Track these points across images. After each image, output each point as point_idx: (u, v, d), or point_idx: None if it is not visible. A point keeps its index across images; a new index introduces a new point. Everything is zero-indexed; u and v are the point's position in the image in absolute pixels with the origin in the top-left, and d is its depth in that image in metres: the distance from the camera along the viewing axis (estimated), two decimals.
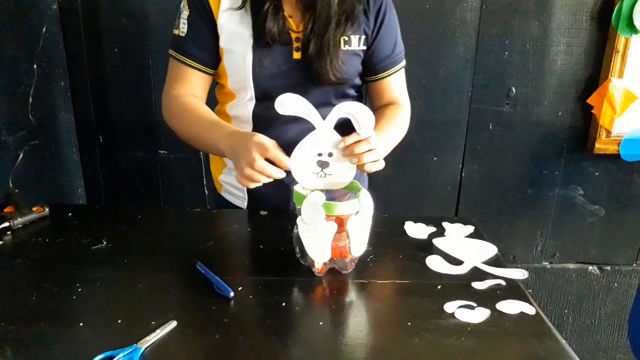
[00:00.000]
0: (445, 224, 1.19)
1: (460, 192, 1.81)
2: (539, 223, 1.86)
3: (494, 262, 1.03)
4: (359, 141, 0.93)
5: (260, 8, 1.05)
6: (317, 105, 0.92)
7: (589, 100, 1.68)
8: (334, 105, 0.93)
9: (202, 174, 1.73)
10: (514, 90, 1.69)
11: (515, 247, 1.89)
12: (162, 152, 1.75)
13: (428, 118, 1.71)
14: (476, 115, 1.72)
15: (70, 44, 1.64)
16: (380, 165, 0.99)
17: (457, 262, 1.01)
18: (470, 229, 1.17)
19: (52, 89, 1.59)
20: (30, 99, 1.42)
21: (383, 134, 1.11)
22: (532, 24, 1.63)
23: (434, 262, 1.01)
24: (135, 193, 1.81)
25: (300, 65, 1.10)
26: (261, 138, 0.93)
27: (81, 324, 0.79)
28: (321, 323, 0.82)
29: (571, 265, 1.91)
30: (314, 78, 1.09)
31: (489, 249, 1.07)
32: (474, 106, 1.71)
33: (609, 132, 1.68)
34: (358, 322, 0.84)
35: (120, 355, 0.71)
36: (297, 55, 1.10)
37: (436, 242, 1.09)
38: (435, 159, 1.76)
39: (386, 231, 1.14)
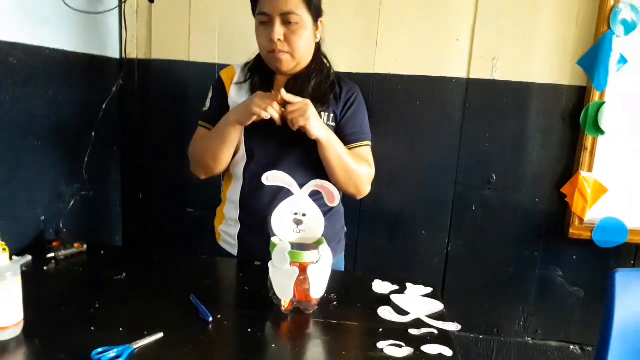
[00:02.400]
0: (408, 284, 1.38)
1: (447, 264, 1.99)
2: (521, 300, 1.98)
3: (437, 316, 1.20)
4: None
5: (255, 88, 1.41)
6: (292, 161, 1.28)
7: (563, 190, 1.86)
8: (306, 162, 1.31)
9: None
10: (494, 177, 1.90)
11: (499, 321, 2.00)
12: (190, 210, 2.06)
13: (418, 196, 1.94)
14: (460, 197, 1.93)
15: (125, 117, 2.02)
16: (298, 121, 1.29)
17: (405, 313, 1.20)
18: (428, 290, 1.36)
19: (105, 152, 1.93)
20: (86, 159, 1.74)
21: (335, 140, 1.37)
22: (510, 122, 1.86)
23: (384, 312, 1.20)
24: (163, 242, 2.10)
25: (281, 130, 1.37)
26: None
27: (92, 328, 1.04)
28: (274, 346, 1.04)
29: (553, 343, 2.00)
30: (290, 138, 1.37)
31: (437, 306, 1.26)
32: (459, 189, 1.92)
33: (582, 220, 1.84)
34: (307, 347, 1.05)
35: (115, 349, 0.95)
36: (279, 122, 1.38)
37: (393, 297, 1.28)
38: (424, 232, 1.96)
39: (355, 285, 1.36)
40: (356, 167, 1.40)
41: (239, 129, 1.36)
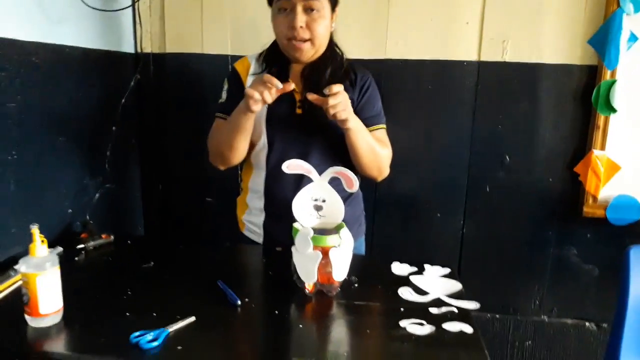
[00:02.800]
0: (426, 265, 1.42)
1: (462, 246, 2.02)
2: (536, 279, 2.01)
3: (456, 295, 1.25)
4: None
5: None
6: (312, 149, 1.31)
7: (576, 169, 1.87)
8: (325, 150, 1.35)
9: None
10: (507, 158, 1.92)
11: (515, 300, 2.03)
12: (209, 199, 2.11)
13: (432, 179, 1.96)
14: (474, 179, 1.95)
15: (143, 110, 2.06)
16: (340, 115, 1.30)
17: (424, 293, 1.25)
18: (446, 270, 1.40)
19: (125, 146, 1.98)
20: (108, 153, 1.79)
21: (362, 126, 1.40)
22: (522, 103, 1.87)
23: (404, 292, 1.24)
24: (183, 231, 2.16)
25: (301, 118, 1.43)
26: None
27: (128, 314, 1.09)
28: (301, 326, 1.09)
29: (569, 320, 2.03)
30: (311, 126, 1.42)
31: (455, 286, 1.30)
32: (472, 171, 1.94)
33: (595, 198, 1.86)
34: (332, 326, 1.10)
35: (151, 333, 1.00)
36: (299, 111, 1.43)
37: (412, 278, 1.31)
38: (439, 215, 1.99)
39: (375, 268, 1.40)
40: (379, 149, 1.44)
41: (250, 117, 1.35)
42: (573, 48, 1.82)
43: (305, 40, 1.38)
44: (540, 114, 1.88)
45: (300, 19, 1.35)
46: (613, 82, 1.76)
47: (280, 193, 1.44)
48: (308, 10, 1.35)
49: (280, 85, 1.27)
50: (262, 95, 1.27)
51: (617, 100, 1.77)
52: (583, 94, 1.84)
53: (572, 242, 1.97)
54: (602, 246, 1.95)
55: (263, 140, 1.45)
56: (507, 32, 1.84)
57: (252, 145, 1.47)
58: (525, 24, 1.83)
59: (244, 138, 1.41)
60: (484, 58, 1.86)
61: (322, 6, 1.36)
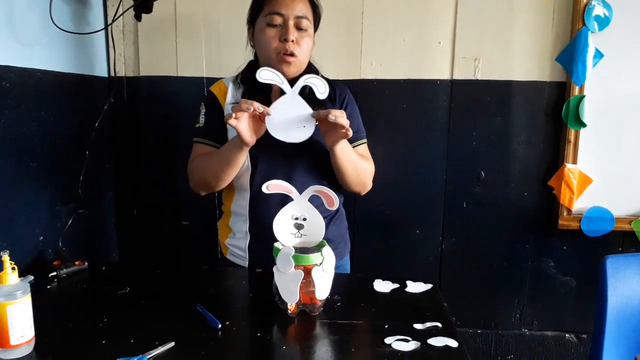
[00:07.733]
0: (408, 282, 1.41)
1: (441, 262, 2.03)
2: (515, 292, 2.03)
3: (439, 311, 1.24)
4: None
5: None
6: (296, 169, 1.30)
7: (550, 183, 1.92)
8: (309, 168, 1.35)
9: (217, 242, 2.01)
10: (483, 174, 1.95)
11: (496, 315, 2.05)
12: (185, 222, 2.07)
13: (410, 197, 1.98)
14: (451, 195, 1.98)
15: (116, 135, 2.03)
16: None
17: (408, 309, 1.24)
18: (428, 286, 1.40)
19: (99, 171, 1.94)
20: (81, 177, 1.75)
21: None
22: (494, 119, 1.92)
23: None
24: (160, 257, 2.11)
25: None
26: None
27: (104, 341, 1.05)
28: (284, 348, 1.06)
29: (549, 333, 2.04)
30: (294, 146, 1.33)
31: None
32: (449, 187, 1.97)
33: (570, 211, 1.90)
34: (316, 347, 1.07)
35: None
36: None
37: (395, 295, 1.32)
38: (417, 232, 2.00)
39: (357, 286, 1.38)
40: (363, 165, 1.45)
41: (245, 151, 1.33)
42: (542, 65, 1.88)
43: (293, 55, 1.39)
44: (513, 130, 1.92)
45: (293, 32, 1.37)
46: (582, 98, 1.82)
47: (266, 214, 1.40)
48: (298, 28, 1.38)
49: (260, 108, 1.25)
50: (244, 113, 1.24)
51: (586, 114, 1.82)
52: (553, 109, 1.89)
53: (549, 254, 2.00)
54: (578, 257, 1.98)
55: (246, 162, 1.42)
56: (478, 51, 1.89)
57: None
58: (496, 42, 1.88)
59: (235, 171, 1.39)
60: (456, 76, 1.91)
61: (310, 25, 1.41)
